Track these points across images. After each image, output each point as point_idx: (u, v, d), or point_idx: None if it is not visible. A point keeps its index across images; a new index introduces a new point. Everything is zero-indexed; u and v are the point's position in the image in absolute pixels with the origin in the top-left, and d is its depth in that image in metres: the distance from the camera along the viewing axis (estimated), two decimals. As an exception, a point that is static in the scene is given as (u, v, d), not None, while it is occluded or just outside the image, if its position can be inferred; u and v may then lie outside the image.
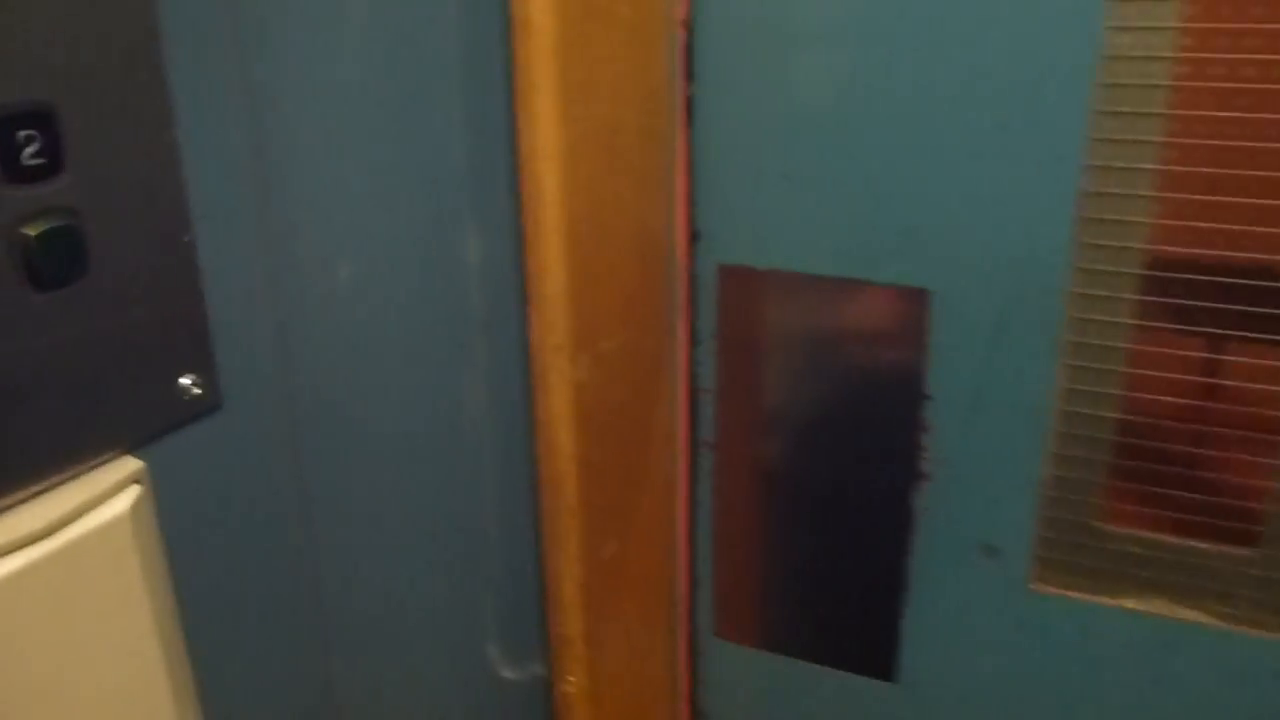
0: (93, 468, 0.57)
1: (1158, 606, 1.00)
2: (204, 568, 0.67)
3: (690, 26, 0.97)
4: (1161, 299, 0.91)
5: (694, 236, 1.04)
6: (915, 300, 0.97)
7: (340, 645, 0.83)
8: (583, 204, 0.84)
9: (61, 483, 0.56)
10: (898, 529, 1.06)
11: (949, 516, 1.04)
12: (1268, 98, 0.82)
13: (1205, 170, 0.86)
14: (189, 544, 0.64)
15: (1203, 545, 0.97)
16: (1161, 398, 0.94)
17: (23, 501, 0.54)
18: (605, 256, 0.89)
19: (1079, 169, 0.89)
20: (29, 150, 0.49)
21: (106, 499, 0.57)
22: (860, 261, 0.98)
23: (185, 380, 0.62)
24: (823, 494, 1.09)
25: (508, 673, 0.99)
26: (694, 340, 1.08)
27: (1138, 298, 0.92)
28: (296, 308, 0.71)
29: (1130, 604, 1.01)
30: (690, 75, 0.99)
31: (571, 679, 0.97)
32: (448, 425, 0.87)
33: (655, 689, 1.15)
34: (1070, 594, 1.03)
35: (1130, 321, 0.92)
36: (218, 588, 0.69)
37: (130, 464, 0.59)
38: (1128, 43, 0.85)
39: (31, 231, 0.50)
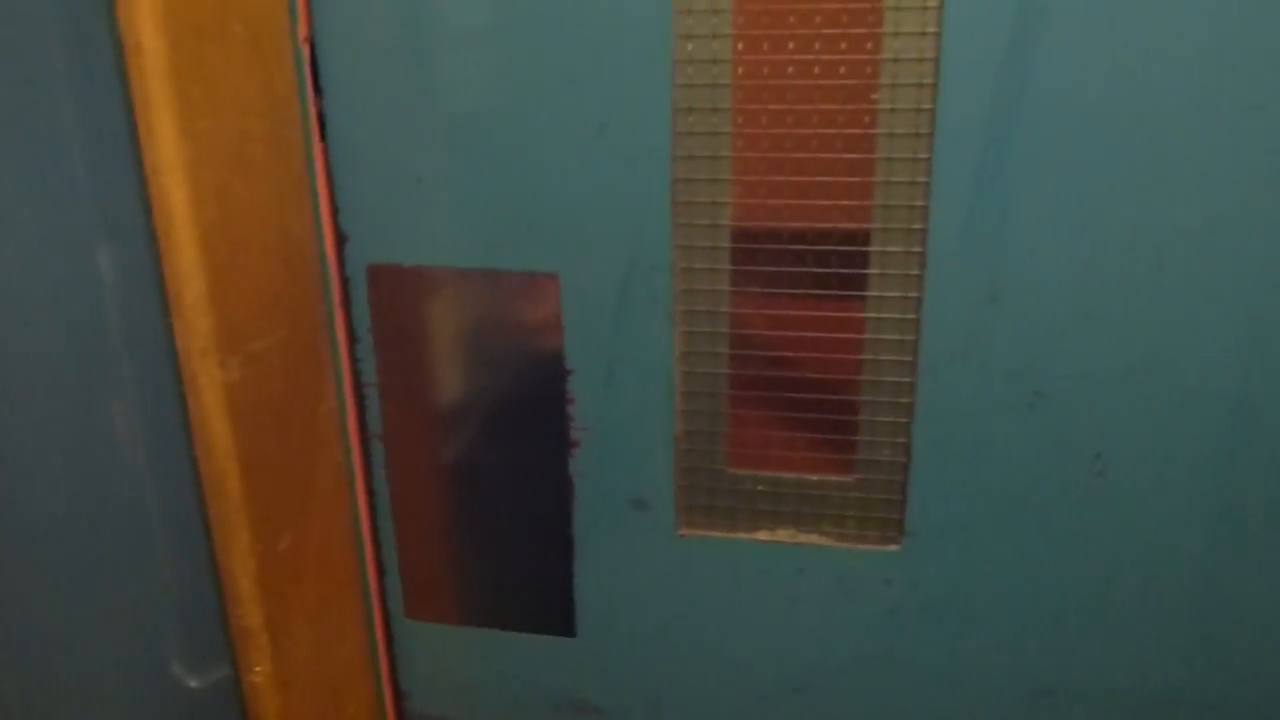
0: None
1: (785, 535, 1.15)
2: None
3: (313, 43, 1.03)
4: (747, 267, 1.04)
5: (342, 239, 1.10)
6: (546, 285, 1.07)
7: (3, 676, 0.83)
8: (215, 213, 0.89)
9: None
10: (558, 495, 1.16)
11: (600, 478, 1.14)
12: (808, 93, 0.97)
13: (770, 155, 1.00)
14: None
15: (812, 477, 1.12)
16: (761, 352, 1.08)
17: None
18: (245, 261, 0.94)
19: (669, 160, 1.01)
20: None
21: None
22: (493, 252, 1.07)
23: None
24: (489, 472, 1.17)
25: (194, 681, 1.01)
26: (353, 338, 1.14)
27: (730, 268, 1.05)
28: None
29: (763, 536, 1.15)
30: (319, 89, 1.04)
31: (258, 669, 1.01)
32: (99, 439, 0.88)
33: (349, 672, 1.20)
34: (712, 534, 1.16)
35: (728, 289, 1.06)
36: None
37: None
38: (693, 49, 0.98)
39: None
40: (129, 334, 0.89)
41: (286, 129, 1.01)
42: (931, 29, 0.92)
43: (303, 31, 1.02)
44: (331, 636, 1.15)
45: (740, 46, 0.97)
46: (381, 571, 1.24)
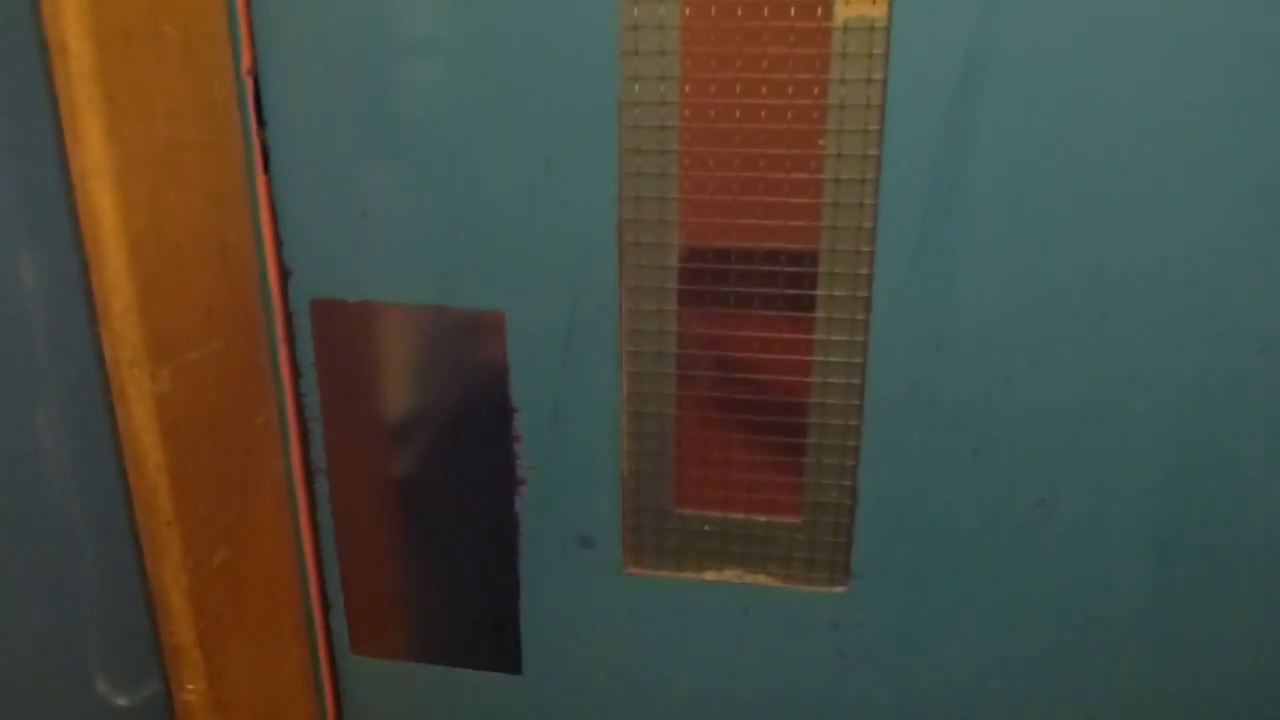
0: None
1: (731, 575, 1.14)
2: None
3: (256, 75, 1.01)
4: (694, 308, 1.04)
5: (285, 274, 1.08)
6: (493, 323, 1.06)
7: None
8: (145, 220, 0.87)
9: None
10: (504, 531, 1.14)
11: (547, 515, 1.13)
12: (755, 136, 0.97)
13: (716, 198, 1.00)
14: None
15: (759, 518, 1.12)
16: (708, 394, 1.08)
17: None
18: (178, 270, 0.92)
19: (616, 200, 1.00)
20: None
21: None
22: (439, 289, 1.06)
23: None
24: (434, 508, 1.16)
25: (123, 700, 0.99)
26: (296, 372, 1.12)
27: (676, 309, 1.04)
28: None
29: (710, 576, 1.15)
30: (261, 122, 1.03)
31: (191, 687, 0.99)
32: (22, 450, 0.86)
33: (291, 691, 1.19)
34: (659, 573, 1.15)
35: (675, 330, 1.05)
36: None
37: None
38: (640, 90, 0.97)
39: None
40: (54, 343, 0.87)
41: (224, 136, 0.99)
42: (877, 76, 0.92)
43: (245, 63, 1.01)
44: (272, 655, 1.13)
45: (687, 89, 0.97)
46: (326, 606, 1.23)
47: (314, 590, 1.20)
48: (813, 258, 0.99)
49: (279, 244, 1.07)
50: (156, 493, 0.92)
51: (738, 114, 0.97)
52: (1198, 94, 0.88)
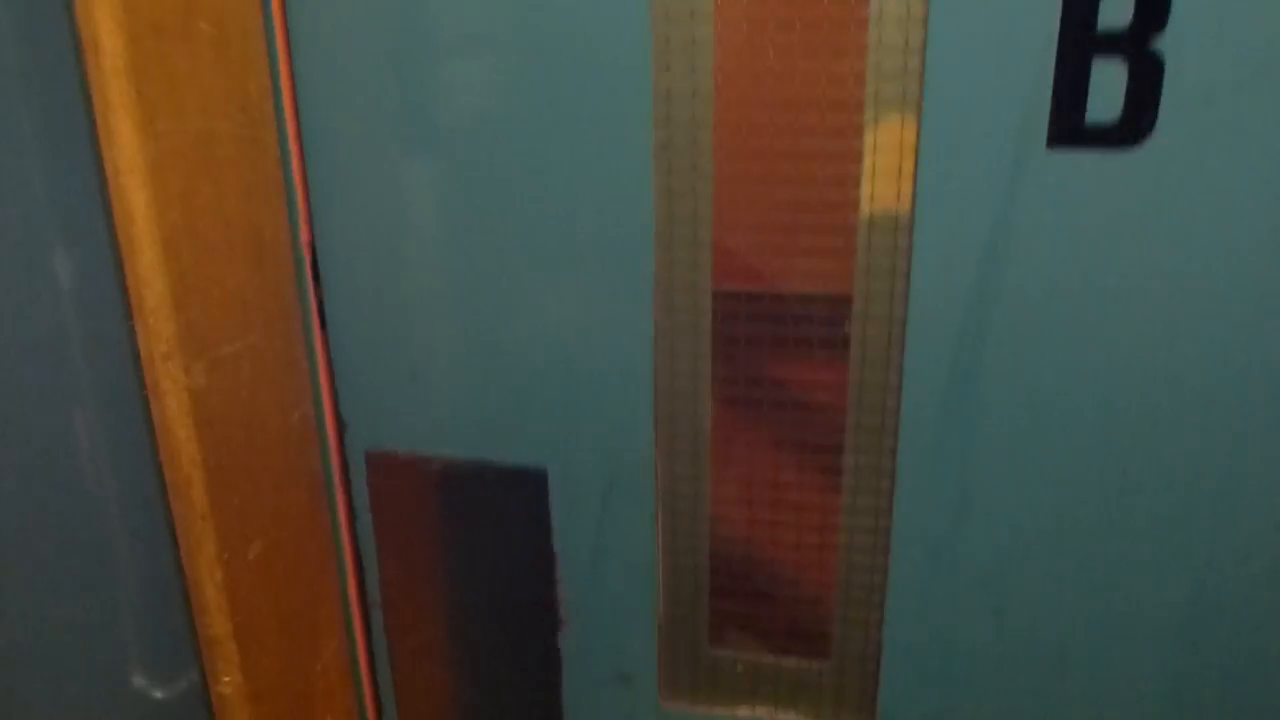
0: None
1: (763, 712, 1.19)
2: None
3: (314, 246, 1.09)
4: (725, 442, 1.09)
5: (342, 426, 1.16)
6: (536, 479, 1.12)
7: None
8: (178, 214, 0.87)
9: None
10: (547, 668, 1.20)
11: (587, 653, 1.19)
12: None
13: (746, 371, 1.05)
14: None
15: (790, 660, 1.17)
16: (741, 549, 1.13)
17: None
18: (212, 264, 0.92)
19: (651, 373, 1.06)
20: None
21: None
22: (485, 444, 1.13)
23: None
24: (482, 644, 1.22)
25: (160, 693, 1.00)
26: (352, 514, 1.19)
27: (710, 468, 1.10)
28: None
29: (743, 712, 1.20)
30: (318, 280, 1.10)
31: (226, 679, 1.00)
32: (60, 447, 0.87)
33: (328, 684, 1.20)
34: (694, 708, 1.20)
35: (709, 487, 1.11)
36: None
37: None
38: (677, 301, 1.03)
39: None
40: (90, 339, 0.88)
41: (258, 129, 0.99)
42: (903, 246, 0.97)
43: (304, 236, 1.08)
44: (309, 649, 1.15)
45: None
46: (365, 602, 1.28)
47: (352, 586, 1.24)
48: (840, 421, 1.04)
49: (335, 398, 1.14)
50: (191, 486, 0.92)
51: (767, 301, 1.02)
52: (1217, 274, 0.91)
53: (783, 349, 1.04)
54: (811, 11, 0.92)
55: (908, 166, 0.94)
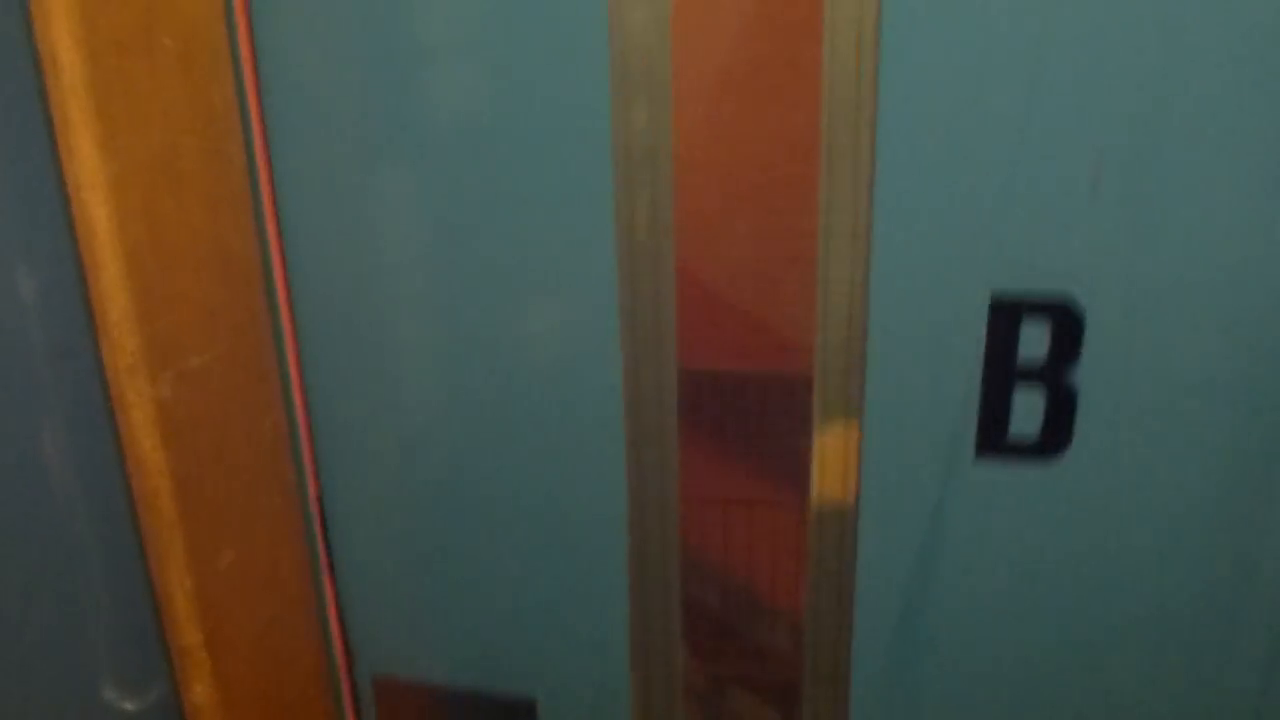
0: None
1: None
2: None
3: (321, 500, 1.13)
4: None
5: (351, 654, 1.20)
6: (527, 710, 1.17)
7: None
8: (142, 229, 0.86)
9: None
10: None
11: None
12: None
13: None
14: None
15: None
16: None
17: None
18: (177, 277, 0.92)
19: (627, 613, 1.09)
20: None
21: None
22: (480, 674, 1.17)
23: None
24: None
25: (130, 704, 0.98)
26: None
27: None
28: None
29: None
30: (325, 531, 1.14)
31: (199, 689, 0.99)
32: (29, 459, 0.87)
33: (304, 694, 1.20)
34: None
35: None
36: None
37: None
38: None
39: None
40: (56, 352, 0.88)
41: (223, 142, 0.98)
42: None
43: (312, 489, 1.12)
44: (284, 658, 1.14)
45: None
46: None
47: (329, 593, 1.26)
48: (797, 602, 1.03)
49: (344, 627, 1.19)
50: (159, 496, 0.92)
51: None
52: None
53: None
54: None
55: (853, 464, 0.96)
